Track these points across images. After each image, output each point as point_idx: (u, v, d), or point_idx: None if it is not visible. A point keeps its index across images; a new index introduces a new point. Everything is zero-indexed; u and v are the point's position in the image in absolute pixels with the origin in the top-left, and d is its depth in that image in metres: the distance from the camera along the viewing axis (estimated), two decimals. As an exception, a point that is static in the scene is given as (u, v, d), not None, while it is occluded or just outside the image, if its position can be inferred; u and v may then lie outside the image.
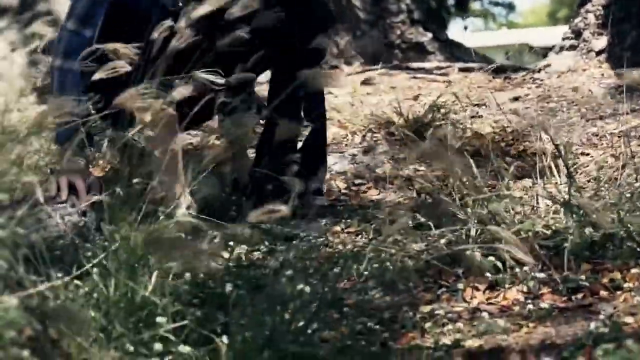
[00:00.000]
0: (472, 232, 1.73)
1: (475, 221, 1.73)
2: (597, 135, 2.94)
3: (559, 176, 2.06)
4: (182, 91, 1.64)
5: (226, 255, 1.68)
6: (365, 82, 3.45)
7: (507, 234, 1.55)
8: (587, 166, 2.55)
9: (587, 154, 2.74)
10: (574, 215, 1.73)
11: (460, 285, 1.61)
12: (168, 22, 1.79)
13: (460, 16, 25.11)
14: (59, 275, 1.31)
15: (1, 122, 1.82)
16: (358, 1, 6.99)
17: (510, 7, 29.75)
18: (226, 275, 1.50)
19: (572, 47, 4.30)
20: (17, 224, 1.35)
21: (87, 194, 1.92)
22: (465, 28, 7.93)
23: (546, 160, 2.11)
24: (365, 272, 1.62)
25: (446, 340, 1.36)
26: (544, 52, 5.20)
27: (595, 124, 3.07)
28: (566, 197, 1.79)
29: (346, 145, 3.01)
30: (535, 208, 1.91)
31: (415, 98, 3.84)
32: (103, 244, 1.44)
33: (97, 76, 1.61)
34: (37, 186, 1.48)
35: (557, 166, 2.10)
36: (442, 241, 1.76)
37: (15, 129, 2.19)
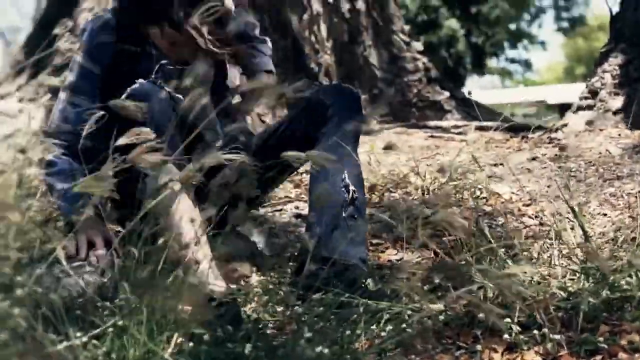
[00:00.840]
0: (490, 294, 1.74)
1: (492, 283, 1.73)
2: (614, 196, 2.94)
3: (576, 237, 2.06)
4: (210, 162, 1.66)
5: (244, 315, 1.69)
6: (387, 148, 3.48)
7: (524, 295, 1.55)
8: (605, 227, 2.55)
9: (605, 215, 2.74)
10: (590, 277, 1.73)
11: (479, 347, 1.60)
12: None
13: (477, 74, 25.32)
14: (78, 334, 1.32)
15: (20, 177, 1.84)
16: (375, 59, 7.06)
17: (527, 65, 29.98)
18: (245, 336, 1.51)
19: (589, 107, 4.32)
20: (35, 282, 1.36)
21: (106, 252, 1.94)
22: (469, 93, 7.90)
23: (562, 221, 2.12)
24: (384, 333, 1.63)
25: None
26: (561, 108, 5.21)
27: (613, 184, 3.06)
28: (582, 258, 1.79)
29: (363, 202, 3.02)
30: (551, 268, 1.91)
31: (433, 157, 3.86)
32: (122, 304, 1.45)
33: (121, 141, 1.63)
34: (57, 244, 1.50)
35: (573, 228, 2.10)
36: (460, 302, 1.76)
37: (33, 184, 2.23)
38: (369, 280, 1.98)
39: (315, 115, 2.23)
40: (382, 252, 2.49)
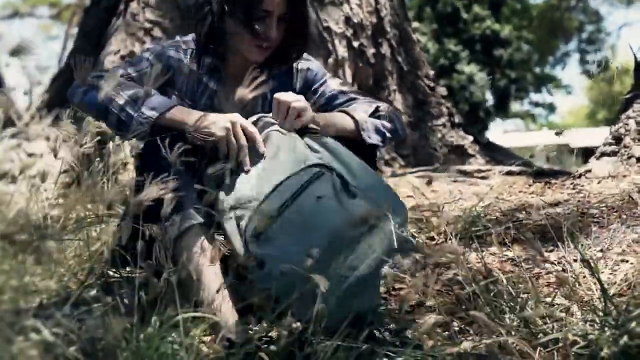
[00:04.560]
0: (509, 340, 1.76)
1: (512, 332, 1.76)
2: (637, 242, 2.94)
3: (596, 284, 2.08)
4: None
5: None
6: (429, 183, 3.51)
7: (544, 342, 1.58)
8: (627, 273, 2.56)
9: (627, 261, 2.75)
10: (608, 324, 1.75)
11: (498, 393, 1.63)
12: None
13: (500, 117, 25.34)
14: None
15: (44, 219, 1.89)
16: (400, 104, 7.12)
17: (551, 108, 29.96)
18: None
19: (613, 153, 4.33)
20: (55, 325, 1.40)
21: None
22: (487, 143, 7.89)
23: (582, 267, 2.14)
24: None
25: None
26: (584, 152, 5.23)
27: (636, 230, 3.07)
28: (600, 305, 1.81)
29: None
30: (571, 316, 1.93)
31: (456, 202, 3.88)
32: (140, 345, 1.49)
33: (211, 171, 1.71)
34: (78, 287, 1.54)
35: (593, 274, 2.12)
36: (480, 348, 1.79)
37: (55, 226, 2.26)
38: (387, 330, 2.00)
39: None
40: (403, 296, 2.51)
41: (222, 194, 1.97)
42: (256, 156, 2.06)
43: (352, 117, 2.34)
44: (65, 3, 27.16)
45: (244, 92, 2.15)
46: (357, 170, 2.09)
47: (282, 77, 2.51)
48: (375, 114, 2.41)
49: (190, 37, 2.47)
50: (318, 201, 1.91)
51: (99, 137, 2.38)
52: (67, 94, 2.24)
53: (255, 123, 2.15)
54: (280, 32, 2.38)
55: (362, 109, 2.41)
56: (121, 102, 2.09)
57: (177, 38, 2.47)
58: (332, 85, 2.55)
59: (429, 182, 3.09)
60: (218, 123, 2.05)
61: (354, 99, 2.51)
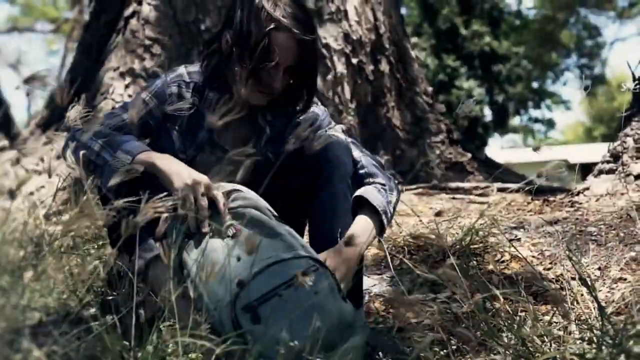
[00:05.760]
0: (507, 359, 1.76)
1: (510, 350, 1.76)
2: (635, 260, 2.95)
3: (594, 302, 2.08)
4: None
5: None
6: (438, 215, 3.52)
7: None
8: (624, 292, 2.57)
9: (625, 279, 2.75)
10: (605, 343, 1.75)
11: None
12: None
13: (499, 133, 25.38)
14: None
15: (43, 234, 1.89)
16: (398, 120, 7.13)
17: (550, 124, 29.98)
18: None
19: (611, 171, 4.34)
20: (53, 343, 1.41)
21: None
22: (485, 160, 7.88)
23: (580, 286, 2.14)
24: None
25: None
26: (582, 168, 5.23)
27: (634, 248, 3.08)
28: (597, 324, 1.81)
29: (384, 267, 3.06)
30: (568, 334, 1.93)
31: (454, 219, 3.89)
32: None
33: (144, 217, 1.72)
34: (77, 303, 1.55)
35: (590, 293, 2.13)
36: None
37: (53, 242, 2.26)
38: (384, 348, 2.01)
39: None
40: (403, 315, 2.51)
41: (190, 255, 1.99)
42: (217, 222, 2.02)
43: (376, 212, 2.33)
44: (65, 17, 27.24)
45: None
46: None
47: (284, 118, 2.51)
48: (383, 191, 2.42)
49: (196, 67, 2.46)
50: (315, 295, 1.91)
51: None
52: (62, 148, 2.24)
53: (227, 193, 2.11)
54: (286, 80, 2.37)
55: (376, 195, 2.39)
56: (97, 148, 2.13)
57: (182, 70, 2.45)
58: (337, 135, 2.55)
59: (439, 214, 3.09)
60: (181, 175, 2.05)
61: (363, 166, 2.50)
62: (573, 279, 2.66)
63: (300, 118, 2.46)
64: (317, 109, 2.54)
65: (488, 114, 22.87)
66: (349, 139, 2.50)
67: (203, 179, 2.04)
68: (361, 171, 2.43)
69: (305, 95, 2.45)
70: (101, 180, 2.09)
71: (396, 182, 2.51)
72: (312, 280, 1.77)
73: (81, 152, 2.07)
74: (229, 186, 2.12)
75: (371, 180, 2.42)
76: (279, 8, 2.28)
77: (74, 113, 1.97)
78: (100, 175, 2.09)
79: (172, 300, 1.69)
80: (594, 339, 1.83)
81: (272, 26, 2.26)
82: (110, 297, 1.99)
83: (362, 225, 2.30)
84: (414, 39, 20.61)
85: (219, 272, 1.88)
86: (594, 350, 1.79)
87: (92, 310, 1.96)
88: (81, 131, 2.07)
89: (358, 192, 2.36)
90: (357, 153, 2.46)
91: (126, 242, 1.74)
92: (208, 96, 2.41)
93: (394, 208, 2.42)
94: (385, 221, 2.34)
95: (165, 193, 1.77)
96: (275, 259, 1.96)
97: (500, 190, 4.89)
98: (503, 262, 2.96)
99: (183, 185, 2.01)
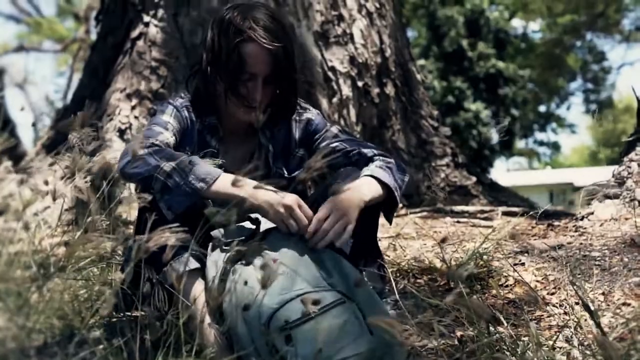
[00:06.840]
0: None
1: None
2: (639, 286, 2.95)
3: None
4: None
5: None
6: (443, 241, 3.53)
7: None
8: (628, 317, 2.56)
9: (629, 304, 2.75)
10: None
11: None
12: None
13: (505, 155, 25.40)
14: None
15: (48, 256, 1.90)
16: (403, 143, 7.14)
17: (556, 147, 30.02)
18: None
19: (616, 196, 4.33)
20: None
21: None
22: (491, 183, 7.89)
23: (584, 311, 2.14)
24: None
25: None
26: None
27: (638, 273, 3.07)
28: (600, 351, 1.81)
29: (389, 290, 3.06)
30: (572, 359, 1.93)
31: (459, 243, 3.89)
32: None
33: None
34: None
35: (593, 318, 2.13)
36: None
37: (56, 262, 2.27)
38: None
39: None
40: (407, 338, 2.52)
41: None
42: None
43: (382, 182, 2.36)
44: (73, 37, 27.41)
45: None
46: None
47: (280, 130, 2.55)
48: (390, 168, 2.44)
49: None
50: (344, 325, 1.95)
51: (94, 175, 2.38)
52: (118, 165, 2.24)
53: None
54: (269, 92, 2.41)
55: (381, 170, 2.42)
56: (167, 169, 2.11)
57: (178, 100, 2.51)
58: (334, 131, 2.58)
59: (444, 240, 3.10)
60: (272, 204, 2.09)
61: (359, 152, 2.51)
62: (577, 303, 2.66)
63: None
64: (309, 113, 2.59)
65: (494, 136, 22.90)
66: (347, 136, 2.55)
67: (292, 202, 2.10)
68: (364, 156, 2.50)
69: (291, 101, 2.52)
70: (161, 195, 2.12)
71: (403, 166, 2.54)
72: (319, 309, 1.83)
73: (144, 169, 2.10)
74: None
75: (375, 159, 2.48)
76: (247, 20, 2.33)
77: (78, 134, 2.00)
78: (165, 194, 2.12)
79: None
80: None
81: (239, 38, 2.31)
82: (116, 320, 2.00)
83: (364, 179, 2.34)
84: (421, 61, 20.70)
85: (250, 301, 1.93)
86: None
87: (98, 333, 1.97)
88: (151, 149, 2.13)
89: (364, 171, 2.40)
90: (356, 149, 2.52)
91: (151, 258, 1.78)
92: (206, 121, 2.45)
93: (403, 182, 2.47)
94: (393, 188, 2.37)
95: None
96: (305, 290, 1.99)
97: (505, 214, 4.89)
98: (507, 286, 2.96)
99: (278, 214, 2.08)
